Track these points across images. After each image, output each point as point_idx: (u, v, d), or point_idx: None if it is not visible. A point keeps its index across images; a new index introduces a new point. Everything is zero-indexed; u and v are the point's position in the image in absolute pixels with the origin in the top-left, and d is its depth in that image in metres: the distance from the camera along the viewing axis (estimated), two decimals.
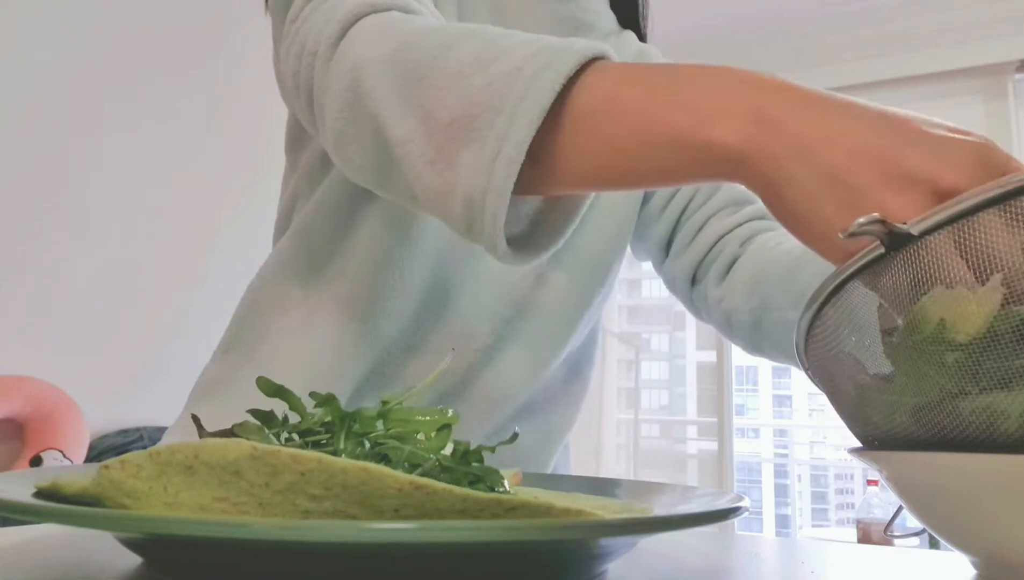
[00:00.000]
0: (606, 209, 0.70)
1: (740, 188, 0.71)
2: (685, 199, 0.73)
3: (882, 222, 0.33)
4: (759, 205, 0.71)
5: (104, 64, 2.28)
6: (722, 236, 0.70)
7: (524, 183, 0.37)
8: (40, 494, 0.33)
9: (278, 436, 0.38)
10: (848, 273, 0.38)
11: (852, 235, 0.33)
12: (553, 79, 0.35)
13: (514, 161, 0.35)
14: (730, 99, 0.34)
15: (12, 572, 0.35)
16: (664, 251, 0.75)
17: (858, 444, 0.42)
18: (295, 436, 0.38)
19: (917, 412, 0.35)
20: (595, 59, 0.38)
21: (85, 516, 0.27)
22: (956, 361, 0.33)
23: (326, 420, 0.38)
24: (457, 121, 0.38)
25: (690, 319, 3.42)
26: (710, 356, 3.17)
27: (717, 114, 0.34)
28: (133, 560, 0.37)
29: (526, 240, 0.43)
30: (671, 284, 0.76)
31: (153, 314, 2.32)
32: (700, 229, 0.71)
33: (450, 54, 0.39)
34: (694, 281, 0.73)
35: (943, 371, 0.34)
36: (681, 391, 3.46)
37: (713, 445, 3.05)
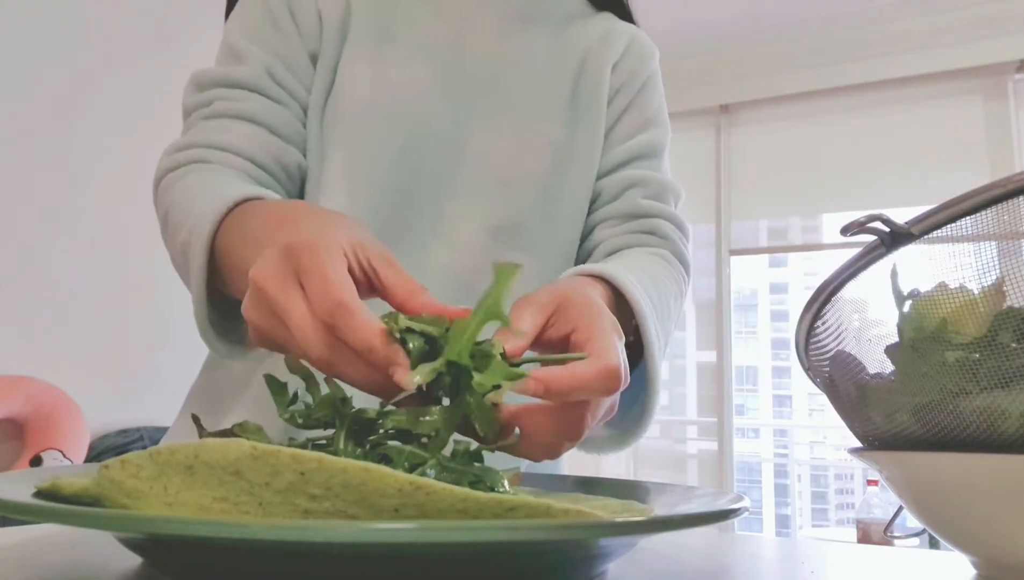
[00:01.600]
0: (567, 199, 0.71)
1: (634, 203, 0.74)
2: (594, 196, 0.76)
3: (883, 220, 0.33)
4: (642, 221, 0.73)
5: (105, 63, 2.28)
6: (598, 245, 0.73)
7: (224, 297, 0.54)
8: (40, 494, 0.33)
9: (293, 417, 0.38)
10: (849, 273, 0.38)
11: (853, 233, 0.33)
12: (210, 229, 0.51)
13: (200, 280, 0.51)
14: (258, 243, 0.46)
15: (12, 572, 0.34)
16: None
17: (858, 444, 0.42)
18: (299, 419, 0.38)
19: (918, 411, 0.35)
20: (244, 201, 0.51)
21: (85, 516, 0.27)
22: (957, 360, 0.33)
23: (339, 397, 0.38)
24: (179, 255, 0.58)
25: (690, 319, 3.42)
26: (710, 356, 3.17)
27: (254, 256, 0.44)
28: (133, 560, 0.36)
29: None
30: None
31: (153, 314, 2.32)
32: (590, 233, 0.75)
33: (168, 223, 0.60)
34: None
35: (944, 370, 0.34)
36: (681, 391, 3.46)
37: (713, 445, 3.05)
